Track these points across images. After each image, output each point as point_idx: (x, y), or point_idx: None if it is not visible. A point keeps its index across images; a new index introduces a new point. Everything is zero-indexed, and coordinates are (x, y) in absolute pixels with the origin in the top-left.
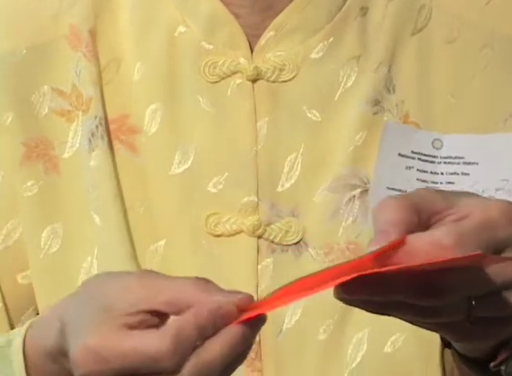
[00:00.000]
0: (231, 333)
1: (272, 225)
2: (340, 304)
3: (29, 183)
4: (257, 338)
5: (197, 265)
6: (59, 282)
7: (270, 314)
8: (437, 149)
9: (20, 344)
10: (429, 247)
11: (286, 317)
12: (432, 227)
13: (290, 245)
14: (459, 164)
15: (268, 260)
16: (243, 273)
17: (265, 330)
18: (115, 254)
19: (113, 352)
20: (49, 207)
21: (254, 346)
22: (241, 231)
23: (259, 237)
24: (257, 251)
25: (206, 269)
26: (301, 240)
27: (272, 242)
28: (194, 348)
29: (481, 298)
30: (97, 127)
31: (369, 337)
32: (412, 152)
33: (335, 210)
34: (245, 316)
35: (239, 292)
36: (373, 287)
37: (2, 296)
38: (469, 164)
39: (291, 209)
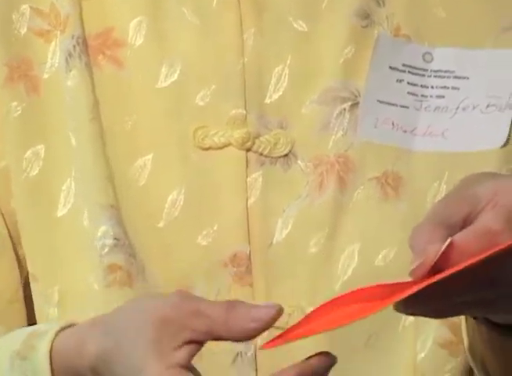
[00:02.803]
0: None
1: (261, 138)
2: (330, 217)
3: (13, 104)
4: (247, 252)
5: (186, 179)
6: (40, 206)
7: (259, 228)
8: (427, 62)
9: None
10: (480, 240)
11: (277, 231)
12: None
13: (279, 158)
14: (449, 77)
15: (257, 173)
16: (232, 187)
17: (255, 244)
18: (90, 175)
19: None
20: (32, 130)
21: (244, 260)
22: (229, 144)
23: (248, 150)
24: (246, 164)
25: (194, 183)
26: (290, 152)
27: (261, 154)
28: None
29: None
30: (74, 47)
31: (360, 250)
32: (403, 65)
33: (325, 123)
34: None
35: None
36: (432, 297)
37: (5, 222)
38: (459, 78)
39: (279, 121)
